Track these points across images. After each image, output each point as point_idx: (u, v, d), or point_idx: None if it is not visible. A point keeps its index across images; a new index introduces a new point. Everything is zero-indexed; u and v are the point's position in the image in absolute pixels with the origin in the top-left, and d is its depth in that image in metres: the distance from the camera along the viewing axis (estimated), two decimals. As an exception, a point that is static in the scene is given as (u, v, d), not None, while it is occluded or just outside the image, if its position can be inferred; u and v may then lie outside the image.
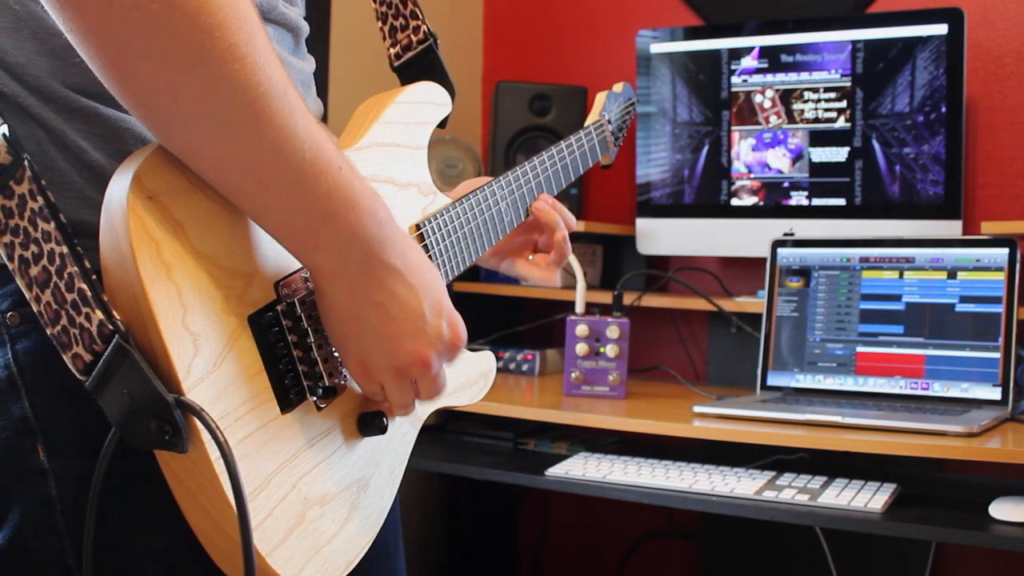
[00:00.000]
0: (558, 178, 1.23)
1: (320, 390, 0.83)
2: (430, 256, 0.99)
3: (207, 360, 0.74)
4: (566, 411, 1.77)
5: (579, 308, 1.97)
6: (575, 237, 2.28)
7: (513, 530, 2.57)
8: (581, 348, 1.91)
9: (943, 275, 1.82)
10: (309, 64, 1.01)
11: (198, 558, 0.77)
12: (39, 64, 0.78)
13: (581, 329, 1.91)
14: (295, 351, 0.81)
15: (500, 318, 2.39)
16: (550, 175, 1.21)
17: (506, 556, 2.55)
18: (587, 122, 1.32)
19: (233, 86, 0.70)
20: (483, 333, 2.33)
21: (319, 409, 0.84)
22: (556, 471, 1.69)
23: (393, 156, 0.98)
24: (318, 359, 0.83)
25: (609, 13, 2.53)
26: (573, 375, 1.92)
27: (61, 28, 0.69)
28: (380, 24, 1.08)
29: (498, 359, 2.22)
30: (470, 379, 1.08)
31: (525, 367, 2.21)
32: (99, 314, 0.71)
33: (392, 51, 1.08)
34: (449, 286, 1.02)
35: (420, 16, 1.07)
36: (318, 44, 2.21)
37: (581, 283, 1.98)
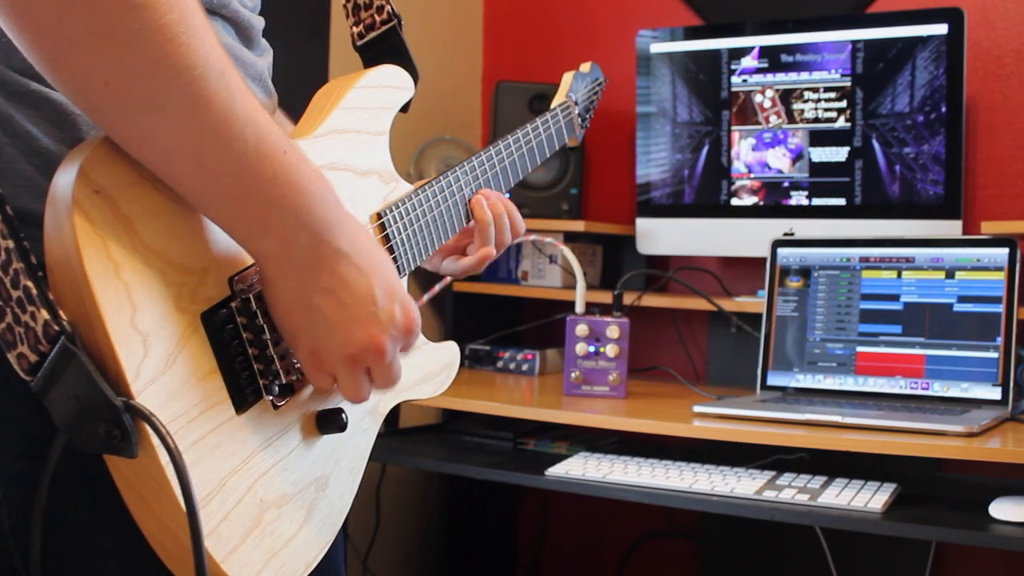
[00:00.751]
0: (523, 162, 1.20)
1: (276, 388, 0.81)
2: (391, 246, 0.96)
3: (157, 361, 0.71)
4: (566, 411, 1.77)
5: (579, 308, 1.97)
6: (575, 237, 2.29)
7: (513, 530, 2.56)
8: (581, 348, 1.91)
9: (941, 275, 1.82)
10: (264, 59, 0.98)
11: (150, 557, 0.75)
12: None
13: (581, 329, 1.91)
14: (250, 349, 0.79)
15: (500, 318, 2.39)
16: (515, 159, 1.18)
17: (506, 556, 2.55)
18: (553, 104, 1.30)
19: (166, 68, 0.67)
20: (483, 333, 2.33)
21: (276, 408, 0.81)
22: (556, 471, 1.69)
23: (353, 143, 0.95)
24: (274, 356, 0.81)
25: (609, 13, 2.53)
26: (573, 375, 1.92)
27: None
28: (344, 1, 1.06)
29: (498, 359, 2.24)
30: (432, 371, 1.05)
31: (525, 367, 2.21)
32: (44, 313, 0.68)
33: (355, 30, 1.05)
34: (414, 274, 1.00)
35: None
36: (318, 42, 2.21)
37: (581, 283, 1.98)
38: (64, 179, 0.69)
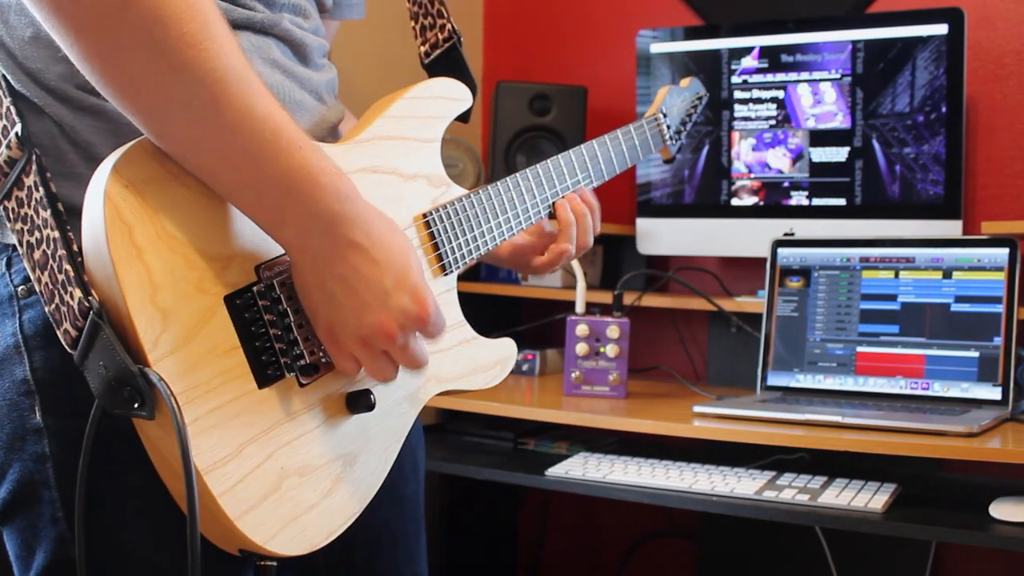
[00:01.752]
0: (598, 170, 1.22)
1: (299, 367, 0.86)
2: (436, 244, 1.01)
3: (176, 335, 0.79)
4: (566, 411, 1.77)
5: (579, 308, 1.97)
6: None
7: (513, 530, 2.56)
8: (581, 348, 1.91)
9: (938, 275, 1.82)
10: (323, 74, 1.04)
11: (175, 511, 0.82)
12: (54, 69, 0.86)
13: (581, 329, 1.91)
14: (272, 330, 0.85)
15: (500, 318, 2.39)
16: (589, 169, 1.21)
17: (506, 556, 2.55)
18: (645, 115, 1.32)
19: (190, 72, 0.75)
20: (483, 333, 2.31)
21: (302, 385, 0.87)
22: (556, 471, 1.69)
23: (399, 149, 1.00)
24: (298, 338, 0.87)
25: (609, 13, 2.53)
26: (573, 375, 1.92)
27: (44, 26, 0.76)
28: (412, 23, 1.13)
29: (498, 359, 2.24)
30: (484, 364, 1.09)
31: (525, 367, 2.21)
32: (79, 293, 0.77)
33: (422, 49, 1.13)
34: (463, 276, 1.04)
35: (446, 15, 1.12)
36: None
37: (581, 283, 1.98)
38: (99, 175, 0.78)
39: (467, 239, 1.05)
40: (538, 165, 1.15)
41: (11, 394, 0.86)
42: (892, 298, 1.85)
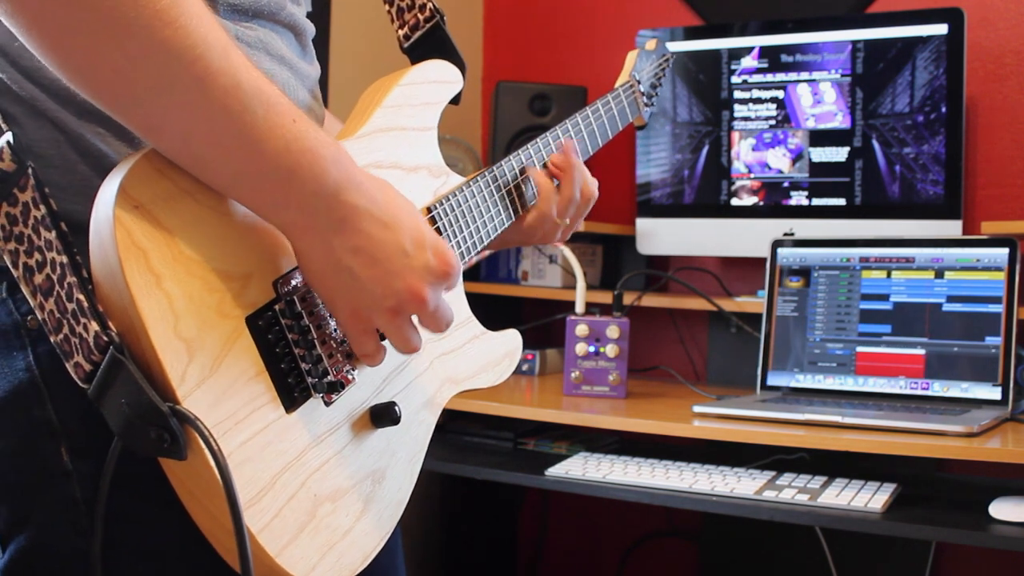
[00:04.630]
0: (583, 145, 1.20)
1: (324, 386, 0.82)
2: (443, 239, 0.97)
3: (202, 366, 0.73)
4: (566, 411, 1.76)
5: (579, 308, 1.97)
6: (575, 237, 2.29)
7: (513, 530, 2.56)
8: (581, 348, 1.91)
9: (931, 275, 1.82)
10: (315, 69, 1.00)
11: (208, 551, 0.78)
12: None
13: (581, 329, 1.91)
14: (296, 349, 0.80)
15: (500, 318, 2.38)
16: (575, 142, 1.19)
17: (506, 556, 2.55)
18: (617, 84, 1.30)
19: (168, 52, 0.68)
20: (483, 333, 2.32)
21: (327, 405, 0.83)
22: (556, 471, 1.69)
23: (399, 140, 0.96)
24: (322, 355, 0.82)
25: (609, 13, 2.53)
26: (573, 375, 1.91)
27: None
28: (387, 7, 1.07)
29: (498, 359, 2.24)
30: (493, 359, 1.06)
31: (525, 367, 2.21)
32: (95, 325, 0.71)
33: (400, 33, 1.07)
34: (468, 268, 1.01)
35: None
36: (318, 44, 2.21)
37: (581, 283, 1.98)
38: (105, 197, 0.71)
39: (472, 230, 1.01)
40: (528, 145, 1.11)
41: (30, 436, 0.78)
42: (885, 298, 1.85)
